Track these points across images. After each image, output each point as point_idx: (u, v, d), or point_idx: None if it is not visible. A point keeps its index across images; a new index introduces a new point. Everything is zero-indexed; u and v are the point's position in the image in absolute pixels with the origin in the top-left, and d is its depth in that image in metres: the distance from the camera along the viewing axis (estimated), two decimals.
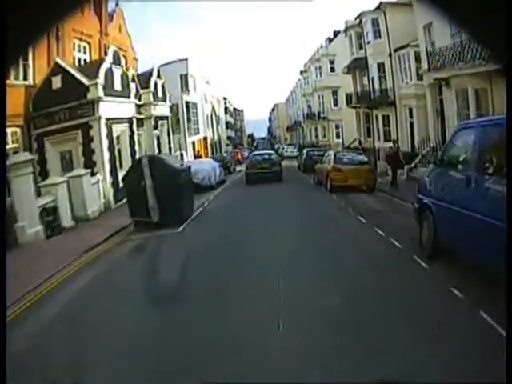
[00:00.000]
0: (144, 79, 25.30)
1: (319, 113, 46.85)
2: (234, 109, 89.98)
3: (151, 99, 24.60)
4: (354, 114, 31.98)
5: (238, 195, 19.41)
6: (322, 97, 46.14)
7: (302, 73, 59.69)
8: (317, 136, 49.09)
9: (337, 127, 43.76)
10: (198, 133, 42.31)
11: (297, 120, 67.44)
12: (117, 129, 19.17)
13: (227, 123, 72.93)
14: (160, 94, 26.81)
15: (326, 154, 20.26)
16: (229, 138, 72.36)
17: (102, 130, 17.65)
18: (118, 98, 19.17)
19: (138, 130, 22.68)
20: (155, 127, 24.46)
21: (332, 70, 44.47)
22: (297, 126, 68.09)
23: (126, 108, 20.15)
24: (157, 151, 25.07)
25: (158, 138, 25.89)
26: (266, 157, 23.29)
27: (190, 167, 14.43)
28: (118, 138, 19.58)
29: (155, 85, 25.99)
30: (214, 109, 54.84)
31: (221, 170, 24.10)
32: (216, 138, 55.45)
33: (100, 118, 17.48)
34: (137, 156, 21.25)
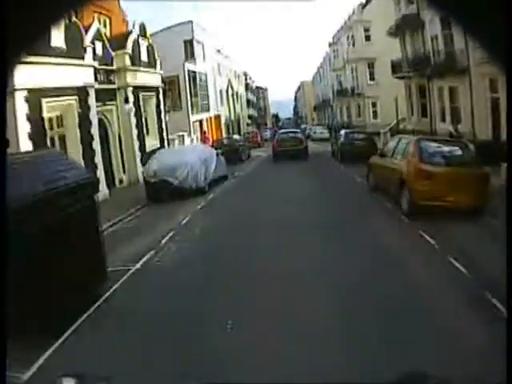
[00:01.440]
0: (120, 38, 18.79)
1: (352, 89, 39.43)
2: (257, 87, 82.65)
3: (127, 63, 18.05)
4: (402, 86, 24.63)
5: (237, 210, 11.50)
6: (356, 70, 38.97)
7: (330, 45, 51.86)
8: (349, 115, 41.60)
9: (373, 105, 36.74)
10: (208, 110, 35.68)
11: (325, 98, 60.13)
12: (53, 104, 12.74)
13: (248, 101, 65.96)
14: (145, 58, 20.24)
15: (394, 142, 11.43)
16: (250, 117, 65.52)
17: (19, 106, 11.29)
18: (56, 59, 12.68)
19: (104, 105, 16.31)
20: (127, 100, 17.58)
21: (367, 38, 37.20)
22: (325, 105, 60.78)
23: (74, 73, 13.65)
24: (136, 135, 18.60)
25: (141, 117, 19.35)
26: (292, 135, 24.27)
27: (92, 182, 6.67)
28: (57, 118, 13.23)
29: (137, 45, 19.40)
30: (230, 83, 47.98)
31: (219, 161, 16.41)
32: (233, 116, 48.72)
33: (14, 87, 11.08)
34: (95, 145, 14.97)
